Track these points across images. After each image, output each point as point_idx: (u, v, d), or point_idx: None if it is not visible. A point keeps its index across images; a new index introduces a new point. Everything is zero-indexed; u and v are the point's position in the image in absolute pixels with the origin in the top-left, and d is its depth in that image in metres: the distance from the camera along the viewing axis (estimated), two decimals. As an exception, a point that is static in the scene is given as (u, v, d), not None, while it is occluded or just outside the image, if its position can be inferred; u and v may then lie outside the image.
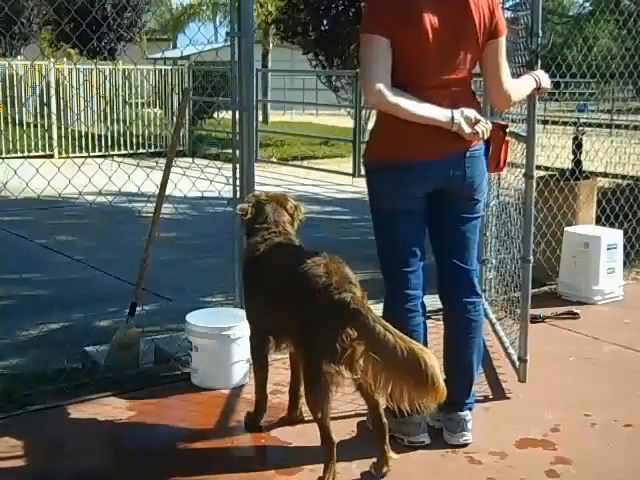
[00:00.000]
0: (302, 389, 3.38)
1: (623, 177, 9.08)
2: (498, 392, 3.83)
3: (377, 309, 3.03)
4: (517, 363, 3.92)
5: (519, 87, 3.35)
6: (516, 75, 3.60)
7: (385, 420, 2.98)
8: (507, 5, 4.59)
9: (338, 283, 2.89)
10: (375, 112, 3.21)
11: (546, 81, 3.50)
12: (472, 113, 3.10)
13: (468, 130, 3.08)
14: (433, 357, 2.81)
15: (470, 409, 3.33)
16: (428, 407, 2.84)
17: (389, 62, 3.01)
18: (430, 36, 3.01)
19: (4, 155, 11.64)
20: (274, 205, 3.37)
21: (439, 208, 3.22)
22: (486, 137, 3.16)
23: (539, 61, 3.64)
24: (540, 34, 3.67)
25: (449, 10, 3.03)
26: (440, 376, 2.79)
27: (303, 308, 2.93)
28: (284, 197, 3.46)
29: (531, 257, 3.87)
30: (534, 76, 3.46)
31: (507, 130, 3.36)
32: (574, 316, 5.00)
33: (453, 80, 3.10)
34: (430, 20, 3.00)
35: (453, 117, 3.05)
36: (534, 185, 3.83)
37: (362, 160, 3.27)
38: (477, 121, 3.10)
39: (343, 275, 2.93)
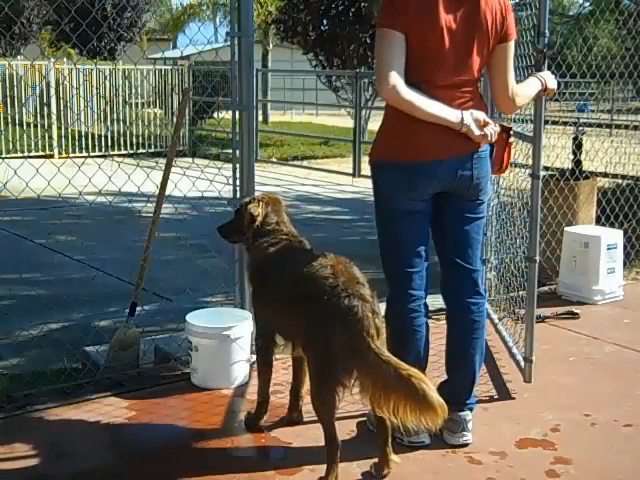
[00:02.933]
0: (303, 390, 3.39)
1: (623, 177, 9.09)
2: (502, 392, 3.82)
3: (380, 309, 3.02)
4: (522, 363, 3.91)
5: (525, 91, 3.33)
6: (519, 77, 3.57)
7: (389, 422, 2.96)
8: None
9: (345, 284, 2.87)
10: (384, 110, 3.17)
11: (552, 82, 3.48)
12: (481, 115, 3.10)
13: (477, 132, 3.08)
14: (424, 378, 2.75)
15: (471, 409, 3.33)
16: (435, 425, 2.76)
17: (403, 58, 3.00)
18: (445, 36, 3.01)
19: (4, 155, 11.65)
20: (278, 207, 3.36)
21: (443, 208, 3.21)
22: (494, 140, 3.16)
23: (546, 61, 3.62)
24: (547, 34, 3.66)
25: (464, 11, 3.03)
26: (435, 393, 2.71)
27: (311, 311, 2.91)
28: (280, 199, 3.44)
29: (537, 257, 3.86)
30: (540, 77, 3.44)
31: (511, 132, 3.36)
32: (574, 316, 5.00)
33: (463, 81, 3.10)
34: (446, 20, 3.01)
35: (463, 118, 3.05)
36: (540, 185, 3.83)
37: (369, 159, 3.24)
38: (486, 124, 3.10)
39: (350, 276, 2.92)
